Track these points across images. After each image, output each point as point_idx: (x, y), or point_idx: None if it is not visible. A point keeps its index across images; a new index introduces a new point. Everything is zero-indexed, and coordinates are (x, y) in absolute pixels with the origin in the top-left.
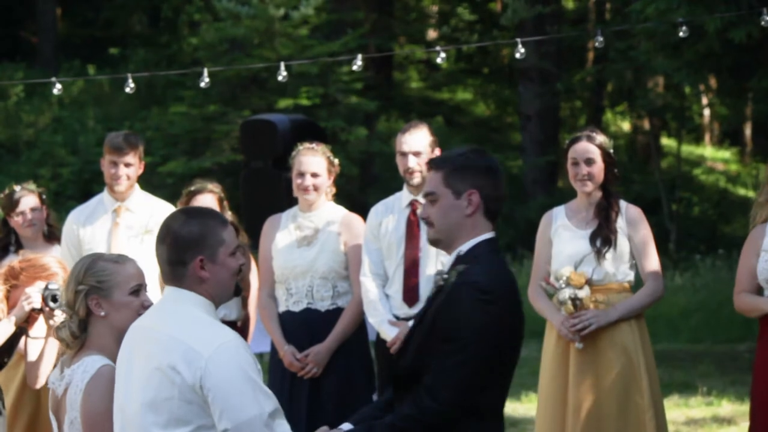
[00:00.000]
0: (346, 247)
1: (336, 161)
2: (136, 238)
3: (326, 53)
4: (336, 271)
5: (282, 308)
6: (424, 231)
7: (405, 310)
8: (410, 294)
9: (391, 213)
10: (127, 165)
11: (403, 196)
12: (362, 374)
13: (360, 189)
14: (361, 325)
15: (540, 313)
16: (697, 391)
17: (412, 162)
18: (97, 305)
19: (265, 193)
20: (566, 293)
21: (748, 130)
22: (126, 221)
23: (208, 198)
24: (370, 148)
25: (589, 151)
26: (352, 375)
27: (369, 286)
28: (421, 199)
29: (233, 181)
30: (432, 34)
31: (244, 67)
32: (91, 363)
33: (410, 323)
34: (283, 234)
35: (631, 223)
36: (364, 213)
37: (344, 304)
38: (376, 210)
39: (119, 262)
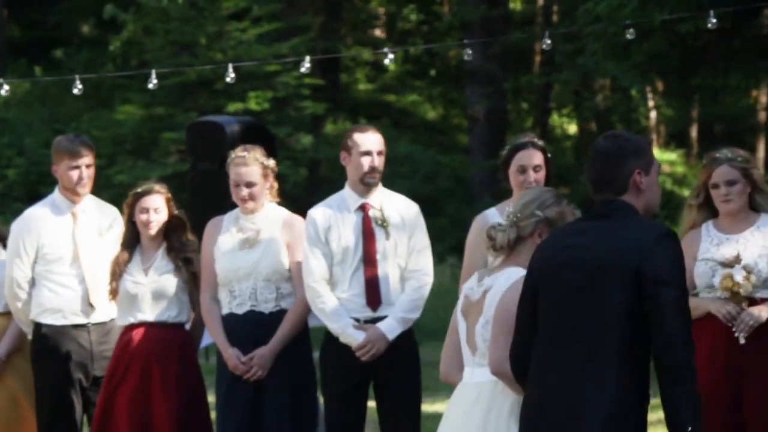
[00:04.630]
0: (288, 248)
1: (271, 162)
2: (98, 238)
3: (274, 56)
4: (279, 272)
5: (225, 311)
6: (380, 233)
7: (367, 314)
8: (373, 297)
9: (339, 216)
10: (88, 166)
11: (350, 198)
12: (306, 377)
13: (307, 192)
14: (304, 327)
15: None
16: None
17: (378, 161)
18: (540, 235)
19: (212, 195)
20: None
21: (694, 132)
22: (84, 223)
23: (156, 198)
24: (317, 152)
25: (537, 157)
26: (297, 378)
27: (323, 292)
28: (373, 202)
29: (180, 182)
30: (379, 35)
31: (192, 68)
32: (514, 272)
33: (380, 326)
34: (226, 236)
35: None
36: None
37: (288, 305)
38: (321, 213)
39: (574, 215)
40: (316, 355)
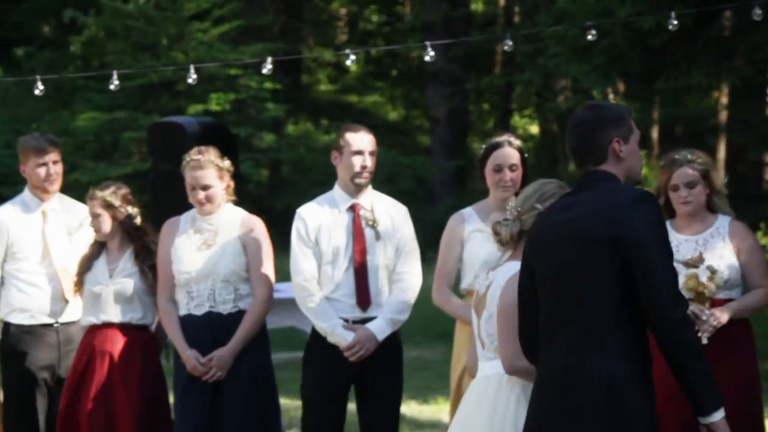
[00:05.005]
0: (246, 249)
1: (226, 163)
2: (66, 237)
3: (236, 59)
4: (237, 273)
5: (183, 312)
6: (369, 233)
7: (356, 314)
8: (363, 297)
9: (329, 215)
10: (55, 163)
11: (340, 198)
12: (266, 377)
13: (269, 193)
14: (262, 328)
15: (454, 315)
16: None
17: (369, 161)
18: None
19: (174, 196)
20: None
21: (655, 134)
22: (54, 221)
23: (95, 204)
24: (278, 153)
25: (513, 157)
26: (256, 378)
27: (314, 291)
28: (363, 203)
29: (141, 183)
30: (341, 37)
31: (154, 69)
32: (512, 267)
33: (370, 326)
34: (183, 238)
35: None
36: (273, 217)
37: (246, 306)
38: (311, 212)
39: None
40: (283, 356)
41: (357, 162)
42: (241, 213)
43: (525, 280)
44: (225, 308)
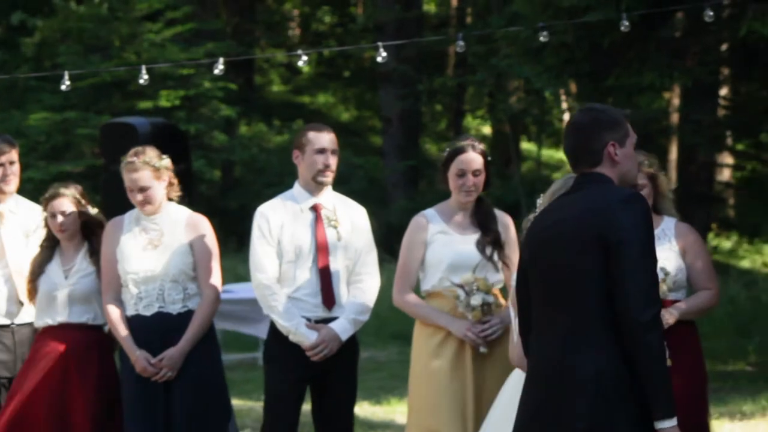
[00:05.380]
0: (192, 248)
1: (164, 162)
2: (23, 239)
3: (188, 59)
4: (186, 273)
5: (131, 312)
6: (331, 233)
7: (320, 313)
8: (328, 297)
9: (291, 214)
10: (12, 163)
11: (301, 197)
12: (215, 377)
13: (221, 193)
14: (211, 327)
15: (417, 317)
16: None
17: (332, 160)
18: None
19: (125, 197)
20: (479, 299)
21: None
22: (10, 223)
23: (64, 202)
24: (231, 153)
25: (477, 162)
26: (205, 378)
27: (276, 290)
28: (325, 202)
29: (93, 184)
30: (293, 37)
31: (106, 70)
32: None
33: (334, 326)
34: (128, 237)
35: (505, 229)
36: (225, 217)
37: (194, 306)
38: (273, 210)
39: None
40: (235, 357)
41: (320, 160)
42: (185, 212)
43: (520, 280)
44: (174, 308)
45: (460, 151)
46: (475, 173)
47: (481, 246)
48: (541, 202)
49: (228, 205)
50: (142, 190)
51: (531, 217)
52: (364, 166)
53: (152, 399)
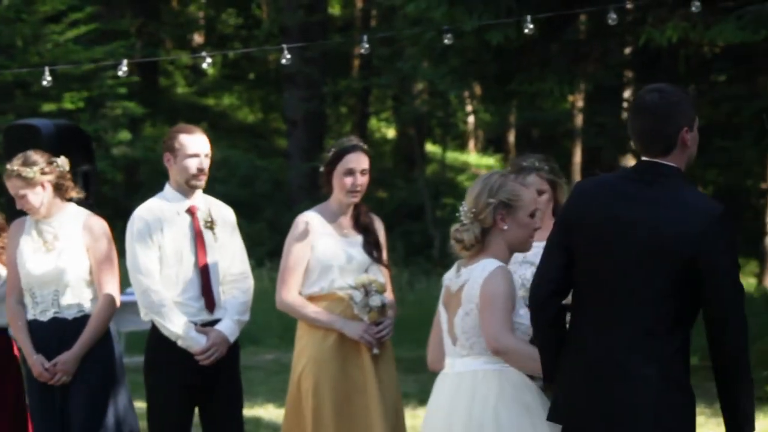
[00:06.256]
0: (89, 251)
1: (35, 169)
2: None
3: (92, 59)
4: (82, 277)
5: (30, 316)
6: (208, 235)
7: (204, 317)
8: (210, 300)
9: (168, 218)
10: None
11: (175, 200)
12: (113, 379)
13: (125, 195)
14: (107, 330)
15: (305, 319)
16: None
17: (205, 163)
18: (502, 219)
19: None
20: (378, 300)
21: (511, 137)
22: None
23: None
24: (135, 154)
25: (365, 161)
26: (102, 380)
27: (164, 295)
28: (199, 205)
29: None
30: (198, 39)
31: (9, 70)
32: (489, 263)
33: (221, 329)
34: (26, 240)
35: (379, 232)
36: (129, 219)
37: (90, 310)
38: (150, 214)
39: (526, 186)
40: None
41: (193, 165)
42: (83, 214)
43: (559, 240)
44: (70, 313)
45: (349, 150)
46: (363, 173)
47: (367, 248)
48: (467, 209)
49: (132, 207)
50: (19, 197)
51: (460, 226)
52: (268, 169)
53: (50, 403)
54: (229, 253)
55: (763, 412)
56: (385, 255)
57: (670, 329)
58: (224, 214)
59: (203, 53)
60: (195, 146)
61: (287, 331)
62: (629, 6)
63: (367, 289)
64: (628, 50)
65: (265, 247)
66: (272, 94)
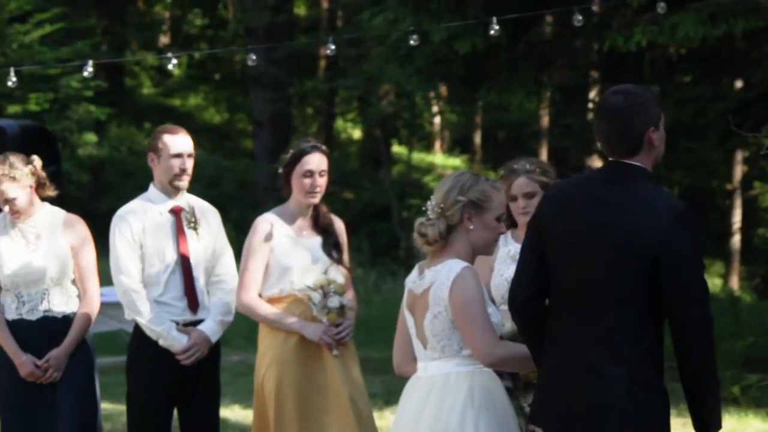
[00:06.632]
0: (73, 250)
1: (25, 169)
2: None
3: (58, 60)
4: (68, 275)
5: (13, 316)
6: (191, 235)
7: (187, 317)
8: (193, 300)
9: (151, 218)
10: None
11: (159, 200)
12: (89, 379)
13: (91, 196)
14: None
15: (264, 321)
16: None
17: (188, 163)
18: (469, 219)
19: None
20: (336, 301)
21: (477, 138)
22: None
23: None
24: (101, 155)
25: (324, 162)
26: (81, 379)
27: (144, 294)
28: (182, 205)
29: None
30: (164, 40)
31: None
32: (455, 264)
33: (203, 329)
34: (5, 240)
35: (340, 233)
36: (95, 220)
37: (76, 307)
38: (133, 214)
39: (497, 189)
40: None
41: (176, 165)
42: (61, 213)
43: (533, 245)
44: (59, 312)
45: (307, 151)
46: (321, 174)
47: (326, 249)
48: (435, 204)
49: (98, 208)
50: (7, 201)
51: (426, 221)
52: (234, 169)
53: (40, 402)
54: (214, 254)
55: (729, 412)
56: (345, 256)
57: (640, 329)
58: (208, 213)
59: (169, 54)
60: (178, 146)
61: (253, 333)
62: (595, 8)
63: (325, 291)
64: (593, 51)
65: (231, 247)
66: (238, 94)
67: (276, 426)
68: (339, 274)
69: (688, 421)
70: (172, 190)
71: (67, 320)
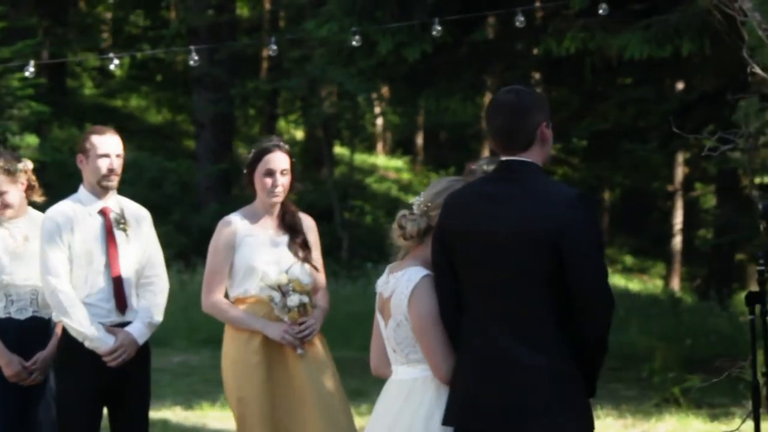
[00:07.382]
0: None
1: (20, 166)
2: None
3: None
4: None
5: (1, 315)
6: (120, 236)
7: (114, 318)
8: (121, 301)
9: (80, 218)
10: None
11: (88, 201)
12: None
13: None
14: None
15: (228, 321)
16: (368, 398)
17: (116, 163)
18: None
19: None
20: (296, 300)
21: (419, 140)
22: None
23: None
24: (42, 156)
25: (285, 161)
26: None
27: (71, 295)
28: (111, 206)
29: None
30: (106, 41)
31: None
32: (414, 273)
33: (131, 330)
34: None
35: (309, 231)
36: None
37: None
38: (61, 215)
39: None
40: None
41: (104, 165)
42: (41, 216)
43: (439, 251)
44: (47, 312)
45: (268, 150)
46: (283, 173)
47: (293, 249)
48: (422, 201)
49: (40, 209)
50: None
51: (408, 215)
52: (176, 170)
53: (32, 402)
54: (143, 255)
55: (670, 413)
56: (316, 254)
57: (554, 318)
58: (138, 215)
59: (111, 54)
60: (105, 146)
61: (194, 333)
62: (538, 9)
63: (283, 290)
64: (535, 52)
65: (173, 249)
66: (180, 95)
67: (239, 427)
68: (304, 273)
69: (629, 422)
70: (101, 191)
71: (53, 322)
